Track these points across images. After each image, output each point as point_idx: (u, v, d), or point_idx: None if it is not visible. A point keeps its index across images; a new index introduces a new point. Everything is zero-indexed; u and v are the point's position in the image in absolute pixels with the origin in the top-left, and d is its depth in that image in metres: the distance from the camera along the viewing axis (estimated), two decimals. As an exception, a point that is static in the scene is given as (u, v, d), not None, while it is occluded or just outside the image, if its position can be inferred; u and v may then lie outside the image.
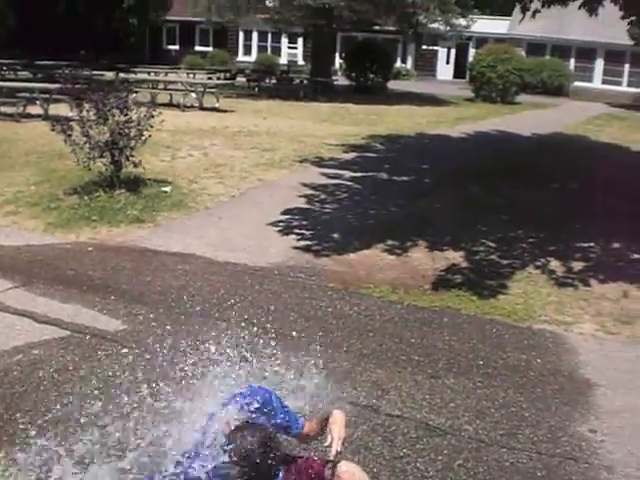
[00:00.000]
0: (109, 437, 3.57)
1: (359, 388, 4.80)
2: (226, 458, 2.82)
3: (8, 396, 4.70)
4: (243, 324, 5.79)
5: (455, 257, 7.74)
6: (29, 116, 16.39)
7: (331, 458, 3.09)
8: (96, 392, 4.70)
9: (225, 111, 19.79)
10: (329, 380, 4.29)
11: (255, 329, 5.69)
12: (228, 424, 2.93)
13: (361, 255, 7.77)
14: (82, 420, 4.31)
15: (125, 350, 5.36)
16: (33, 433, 4.19)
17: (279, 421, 3.15)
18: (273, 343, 5.38)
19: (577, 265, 7.55)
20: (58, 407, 4.53)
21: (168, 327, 5.74)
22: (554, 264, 7.56)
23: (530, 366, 5.31)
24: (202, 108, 20.05)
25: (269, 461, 2.85)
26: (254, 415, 3.03)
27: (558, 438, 4.33)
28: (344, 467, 3.10)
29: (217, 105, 20.23)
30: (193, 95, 20.70)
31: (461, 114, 23.06)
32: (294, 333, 5.63)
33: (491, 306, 6.49)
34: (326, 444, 3.12)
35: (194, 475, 2.89)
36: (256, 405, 3.11)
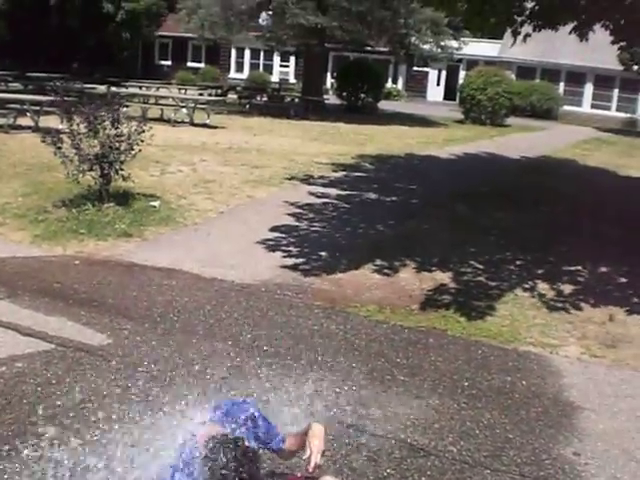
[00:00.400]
0: (90, 452, 3.54)
1: (344, 407, 4.79)
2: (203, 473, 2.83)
3: (-11, 408, 4.66)
4: (229, 341, 5.79)
5: (443, 278, 7.76)
6: (19, 128, 16.36)
7: (310, 471, 3.08)
8: (80, 406, 4.67)
9: (216, 127, 19.83)
10: (313, 398, 4.28)
11: (240, 346, 5.69)
12: (207, 437, 2.93)
13: (348, 274, 7.77)
14: (64, 433, 4.29)
15: (109, 364, 5.33)
16: (16, 445, 4.17)
17: (260, 435, 3.16)
18: (258, 360, 5.38)
19: (564, 288, 7.58)
20: (41, 421, 4.51)
21: (153, 342, 5.72)
22: (541, 287, 7.59)
23: (515, 388, 5.31)
24: (193, 124, 20.08)
25: (244, 475, 2.84)
26: (234, 427, 3.04)
27: (542, 461, 4.33)
28: None
29: (208, 121, 20.26)
30: (184, 111, 20.74)
31: (450, 135, 23.20)
32: (280, 350, 5.62)
33: (477, 327, 6.50)
34: (305, 457, 3.11)
35: None
36: (237, 418, 3.12)
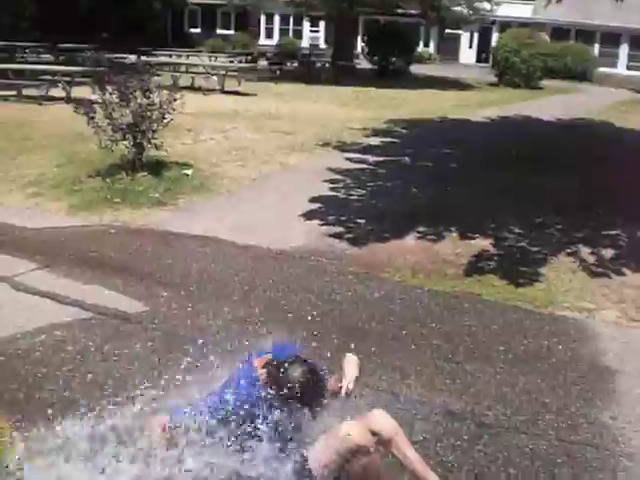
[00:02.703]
0: (131, 417, 3.59)
1: (379, 372, 4.80)
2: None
3: (31, 377, 4.75)
4: (263, 307, 5.83)
5: (479, 243, 7.71)
6: (51, 99, 16.46)
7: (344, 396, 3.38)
8: (119, 373, 4.74)
9: (247, 94, 19.78)
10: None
11: (274, 312, 5.72)
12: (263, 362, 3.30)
13: (383, 240, 7.75)
14: (103, 400, 4.36)
15: (147, 331, 5.40)
16: (55, 414, 4.24)
17: None
18: (292, 326, 5.41)
19: (603, 252, 7.48)
20: (81, 388, 4.59)
21: (189, 309, 5.77)
22: (579, 251, 7.50)
23: (551, 353, 5.28)
24: (224, 91, 20.05)
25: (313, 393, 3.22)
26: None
27: (579, 425, 4.31)
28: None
29: (239, 88, 20.22)
30: (215, 78, 20.70)
31: (484, 98, 22.90)
32: (314, 316, 5.64)
33: (513, 292, 6.46)
34: (339, 385, 3.35)
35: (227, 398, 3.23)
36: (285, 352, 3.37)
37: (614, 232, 8.12)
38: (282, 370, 3.24)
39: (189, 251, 7.33)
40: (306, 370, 3.26)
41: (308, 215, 8.53)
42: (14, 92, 17.17)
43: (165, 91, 9.89)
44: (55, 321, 5.60)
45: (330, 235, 7.86)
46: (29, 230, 8.00)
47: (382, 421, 3.32)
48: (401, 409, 4.36)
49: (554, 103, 22.61)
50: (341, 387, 3.42)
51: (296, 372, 3.24)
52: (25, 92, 17.00)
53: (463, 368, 4.97)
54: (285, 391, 3.19)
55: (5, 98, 17.02)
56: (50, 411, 4.28)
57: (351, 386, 3.39)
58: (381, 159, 11.81)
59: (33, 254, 7.12)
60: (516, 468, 3.86)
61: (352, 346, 4.42)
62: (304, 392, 3.21)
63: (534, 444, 4.09)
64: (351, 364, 3.49)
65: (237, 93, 19.89)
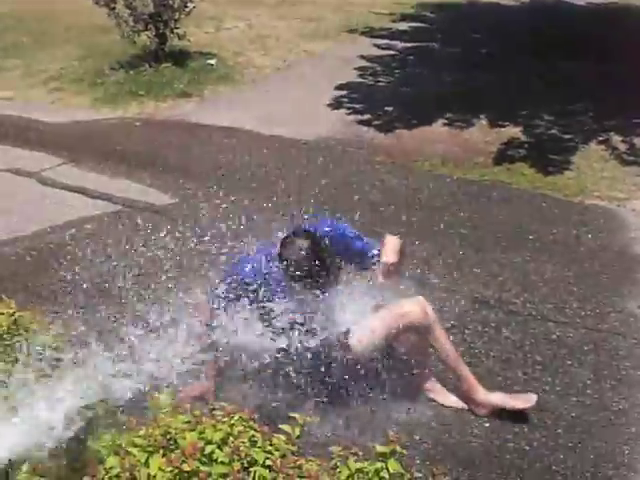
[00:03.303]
0: (163, 303, 3.66)
1: (406, 261, 4.81)
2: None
3: (63, 269, 4.83)
4: (290, 197, 5.81)
5: (508, 130, 7.56)
6: (71, -11, 16.10)
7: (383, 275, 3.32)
8: (149, 263, 4.81)
9: (269, -21, 19.20)
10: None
11: (301, 202, 5.71)
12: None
13: (411, 127, 7.63)
14: (137, 289, 4.44)
15: (175, 223, 5.43)
16: (89, 304, 4.35)
17: (358, 245, 3.41)
18: (319, 215, 5.40)
19: (634, 141, 7.29)
20: (112, 280, 4.66)
21: (217, 200, 5.78)
22: (610, 139, 7.33)
23: (580, 242, 5.25)
24: (246, -23, 19.48)
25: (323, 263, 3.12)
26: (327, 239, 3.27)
27: (606, 314, 4.32)
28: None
29: (261, -26, 19.62)
30: (236, -37, 20.09)
31: (516, -20, 22.02)
32: (341, 206, 5.62)
33: (543, 180, 6.38)
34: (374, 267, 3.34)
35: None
36: (328, 228, 3.36)
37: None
38: (283, 244, 3.19)
39: (215, 142, 7.29)
40: (304, 246, 3.14)
41: (334, 104, 8.40)
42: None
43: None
44: (84, 214, 5.67)
45: (357, 123, 7.76)
46: (53, 125, 7.99)
47: (428, 308, 3.32)
48: (428, 297, 4.38)
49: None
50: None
51: (291, 247, 3.15)
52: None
53: (491, 256, 4.97)
54: (285, 266, 3.14)
55: (23, -10, 16.70)
56: (84, 302, 4.40)
57: (383, 273, 3.32)
58: (409, 45, 11.47)
59: (58, 149, 7.13)
60: (542, 355, 3.90)
61: (380, 234, 4.42)
62: (297, 268, 3.11)
63: (561, 332, 4.12)
64: (389, 247, 3.38)
65: (260, -22, 19.31)
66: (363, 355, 3.21)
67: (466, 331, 4.07)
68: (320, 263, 3.11)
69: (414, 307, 3.23)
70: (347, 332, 3.21)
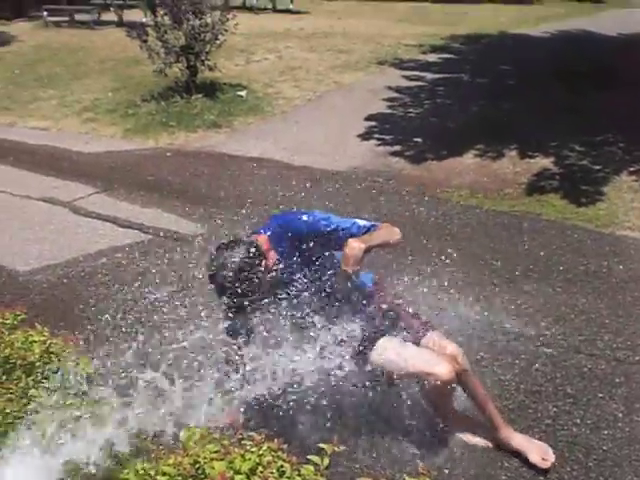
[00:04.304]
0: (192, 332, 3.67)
1: (435, 292, 4.79)
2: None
3: (93, 298, 4.87)
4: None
5: (538, 161, 7.53)
6: (103, 23, 16.42)
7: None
8: (179, 293, 4.83)
9: (299, 12, 19.43)
10: (405, 282, 4.29)
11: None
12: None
13: (441, 158, 7.63)
14: (165, 320, 4.45)
15: (205, 253, 5.46)
16: (119, 334, 4.36)
17: (330, 227, 3.11)
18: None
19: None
20: (142, 308, 4.69)
21: (248, 230, 5.81)
22: (641, 169, 7.27)
23: (611, 273, 5.19)
24: (276, 10, 19.73)
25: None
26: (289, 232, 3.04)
27: (638, 345, 4.25)
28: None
29: (291, 7, 19.86)
30: (266, -3, 20.36)
31: (545, 13, 22.05)
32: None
33: (573, 211, 6.33)
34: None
35: None
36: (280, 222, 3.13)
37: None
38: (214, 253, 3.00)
39: (245, 173, 7.35)
40: (223, 257, 2.92)
41: (364, 134, 8.44)
42: (66, 18, 17.18)
43: (217, 12, 9.77)
44: (116, 244, 5.73)
45: (386, 154, 7.78)
46: (86, 155, 8.12)
47: (461, 360, 3.24)
48: (458, 328, 4.36)
49: (617, 17, 21.62)
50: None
51: (217, 257, 2.96)
52: (77, 17, 16.99)
53: (521, 288, 4.93)
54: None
55: (57, 24, 17.05)
56: (113, 331, 4.42)
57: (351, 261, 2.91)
58: (439, 76, 11.53)
59: (91, 179, 7.24)
60: (573, 388, 3.84)
61: (410, 263, 4.42)
62: (214, 281, 2.93)
63: (592, 364, 4.06)
64: (350, 255, 2.92)
65: (289, 12, 19.54)
66: (376, 370, 3.16)
67: (496, 363, 4.03)
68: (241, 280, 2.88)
69: (443, 370, 3.06)
70: (373, 342, 3.14)
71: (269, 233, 3.10)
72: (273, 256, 3.01)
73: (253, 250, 2.93)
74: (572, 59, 13.04)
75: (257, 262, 2.92)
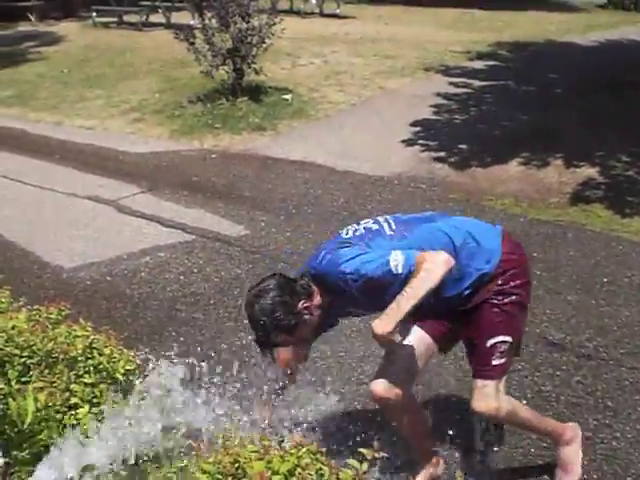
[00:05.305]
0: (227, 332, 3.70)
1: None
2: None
3: (136, 296, 4.94)
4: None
5: (584, 171, 7.44)
6: (151, 25, 16.61)
7: None
8: (219, 295, 4.88)
9: (346, 17, 19.43)
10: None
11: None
12: None
13: (485, 166, 7.58)
14: (204, 319, 4.50)
15: (247, 254, 5.51)
16: (159, 332, 4.42)
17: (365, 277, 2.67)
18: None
19: None
20: (183, 307, 4.75)
21: (289, 234, 5.85)
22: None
23: (656, 285, 5.11)
24: (322, 14, 19.75)
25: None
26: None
27: (681, 360, 4.19)
28: None
29: (338, 11, 19.86)
30: (313, 1, 20.39)
31: (592, 21, 21.77)
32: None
33: (619, 223, 6.24)
34: None
35: None
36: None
37: None
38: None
39: (288, 176, 7.38)
40: (252, 295, 2.77)
41: (408, 140, 8.41)
42: (115, 18, 17.42)
43: (264, 15, 9.83)
44: (159, 243, 5.79)
45: (431, 160, 7.75)
46: (132, 155, 8.23)
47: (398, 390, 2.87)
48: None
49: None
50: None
51: (249, 294, 2.81)
52: (125, 18, 17.23)
53: (564, 298, 4.87)
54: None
55: (106, 25, 17.31)
56: (154, 330, 4.48)
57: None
58: (485, 83, 11.45)
59: (136, 178, 7.34)
60: (614, 401, 3.79)
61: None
62: (249, 318, 2.79)
63: (633, 378, 4.00)
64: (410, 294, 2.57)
65: (336, 16, 19.55)
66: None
67: (537, 373, 4.00)
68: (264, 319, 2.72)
69: (372, 388, 2.86)
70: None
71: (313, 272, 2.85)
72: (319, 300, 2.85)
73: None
74: (621, 68, 12.86)
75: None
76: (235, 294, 4.87)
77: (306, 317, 2.76)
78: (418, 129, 8.81)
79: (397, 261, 2.63)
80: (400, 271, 2.61)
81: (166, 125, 9.28)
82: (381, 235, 2.84)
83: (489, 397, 2.84)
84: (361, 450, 2.16)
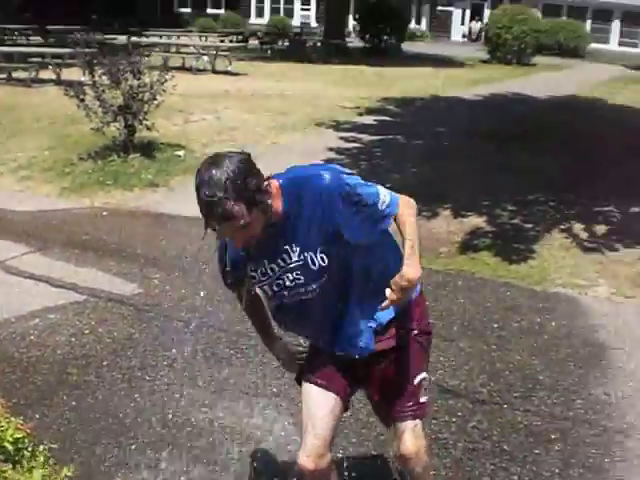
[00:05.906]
0: (124, 397, 3.61)
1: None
2: None
3: (25, 360, 4.75)
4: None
5: (471, 220, 7.70)
6: (41, 81, 16.31)
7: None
8: (113, 355, 4.75)
9: (238, 74, 19.65)
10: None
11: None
12: None
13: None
14: (97, 381, 4.36)
15: (140, 313, 5.40)
16: (50, 396, 4.25)
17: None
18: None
19: (595, 229, 7.45)
20: (75, 370, 4.59)
21: (183, 291, 5.77)
22: (571, 228, 7.49)
23: (544, 329, 5.30)
24: (214, 71, 19.90)
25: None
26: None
27: (572, 401, 4.33)
28: None
29: (230, 68, 20.07)
30: (205, 58, 20.55)
31: (476, 76, 22.79)
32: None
33: (506, 269, 6.47)
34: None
35: None
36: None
37: (607, 208, 8.10)
38: None
39: (182, 232, 7.30)
40: (215, 156, 2.51)
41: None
42: (3, 75, 17.04)
43: (156, 72, 9.82)
44: (49, 304, 5.60)
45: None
46: (20, 213, 7.98)
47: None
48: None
49: (546, 80, 22.51)
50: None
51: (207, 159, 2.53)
52: (14, 75, 16.86)
53: (457, 345, 4.98)
54: None
55: (-6, 81, 16.90)
56: (44, 395, 4.31)
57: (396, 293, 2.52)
58: (375, 138, 11.76)
59: (25, 237, 7.11)
60: (510, 444, 3.88)
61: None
62: (205, 181, 2.49)
63: (527, 420, 4.11)
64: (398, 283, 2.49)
65: (228, 73, 19.74)
66: None
67: (433, 421, 4.04)
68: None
69: (300, 459, 2.72)
70: None
71: (281, 181, 2.67)
72: (278, 205, 2.60)
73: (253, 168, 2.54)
74: (504, 121, 13.48)
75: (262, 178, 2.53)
76: (129, 355, 4.75)
77: (268, 201, 2.52)
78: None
79: (385, 200, 2.64)
80: (382, 208, 2.61)
81: (56, 183, 9.06)
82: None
83: (421, 437, 2.78)
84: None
